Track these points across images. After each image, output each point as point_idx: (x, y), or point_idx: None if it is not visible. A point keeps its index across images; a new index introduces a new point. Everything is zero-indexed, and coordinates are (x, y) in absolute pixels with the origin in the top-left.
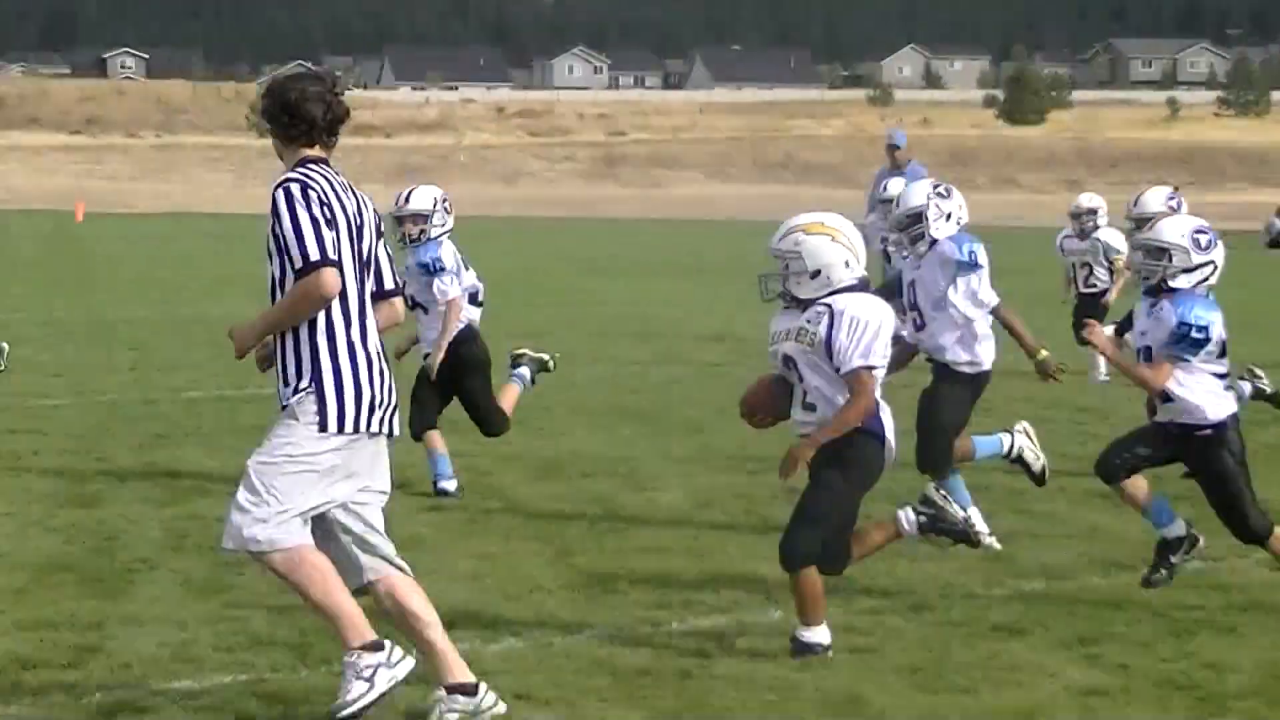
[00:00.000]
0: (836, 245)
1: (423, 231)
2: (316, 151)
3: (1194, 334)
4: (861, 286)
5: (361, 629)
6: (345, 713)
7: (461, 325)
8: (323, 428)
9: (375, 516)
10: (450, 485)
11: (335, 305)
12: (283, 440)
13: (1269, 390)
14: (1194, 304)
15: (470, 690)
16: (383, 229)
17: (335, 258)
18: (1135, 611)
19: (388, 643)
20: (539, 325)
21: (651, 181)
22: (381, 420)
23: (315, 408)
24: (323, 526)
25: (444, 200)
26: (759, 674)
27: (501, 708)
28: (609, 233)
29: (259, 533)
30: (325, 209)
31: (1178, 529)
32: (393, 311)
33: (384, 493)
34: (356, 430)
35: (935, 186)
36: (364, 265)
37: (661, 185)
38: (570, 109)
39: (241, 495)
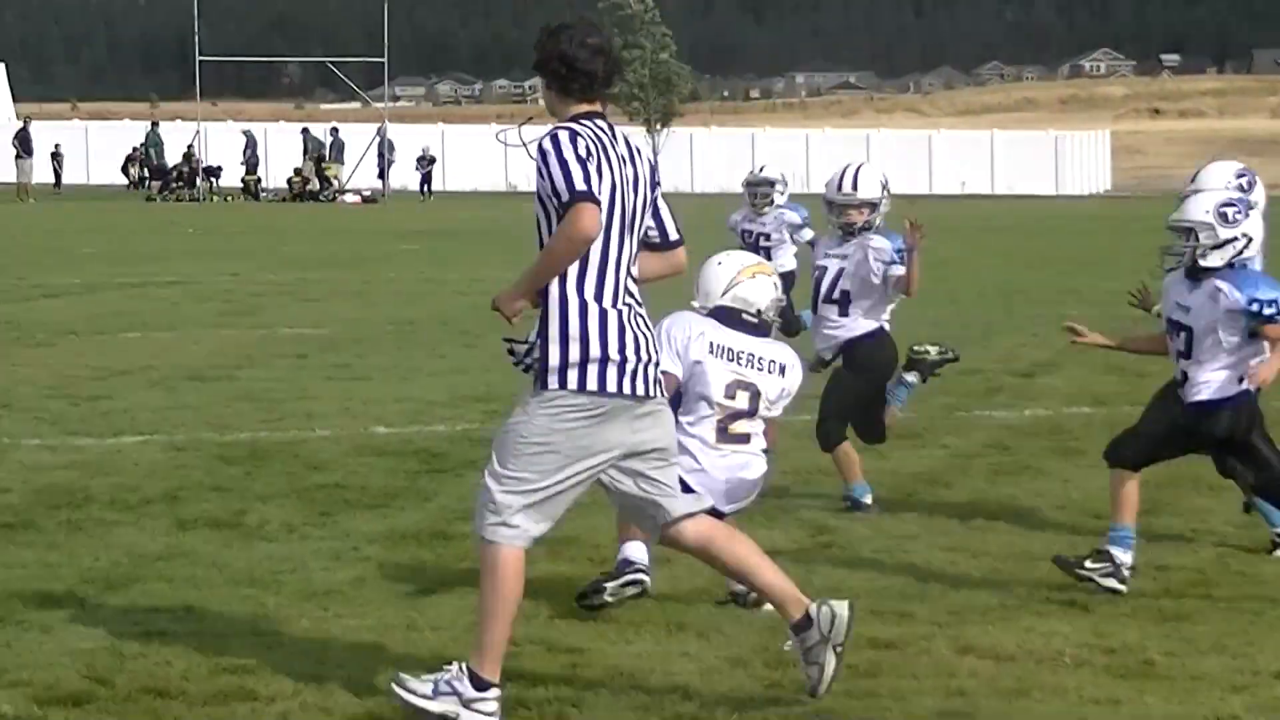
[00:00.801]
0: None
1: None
2: (591, 106)
3: (1266, 310)
4: None
5: (489, 663)
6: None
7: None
8: (562, 384)
9: (665, 477)
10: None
11: (607, 262)
12: (519, 413)
13: None
14: (1258, 281)
15: (804, 625)
16: (658, 178)
17: (599, 196)
18: None
19: (494, 692)
20: None
21: None
22: (631, 383)
23: (555, 364)
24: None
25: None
26: None
27: (843, 615)
28: None
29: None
30: (591, 158)
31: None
32: (674, 261)
33: (660, 452)
34: (602, 391)
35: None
36: (629, 225)
37: None
38: None
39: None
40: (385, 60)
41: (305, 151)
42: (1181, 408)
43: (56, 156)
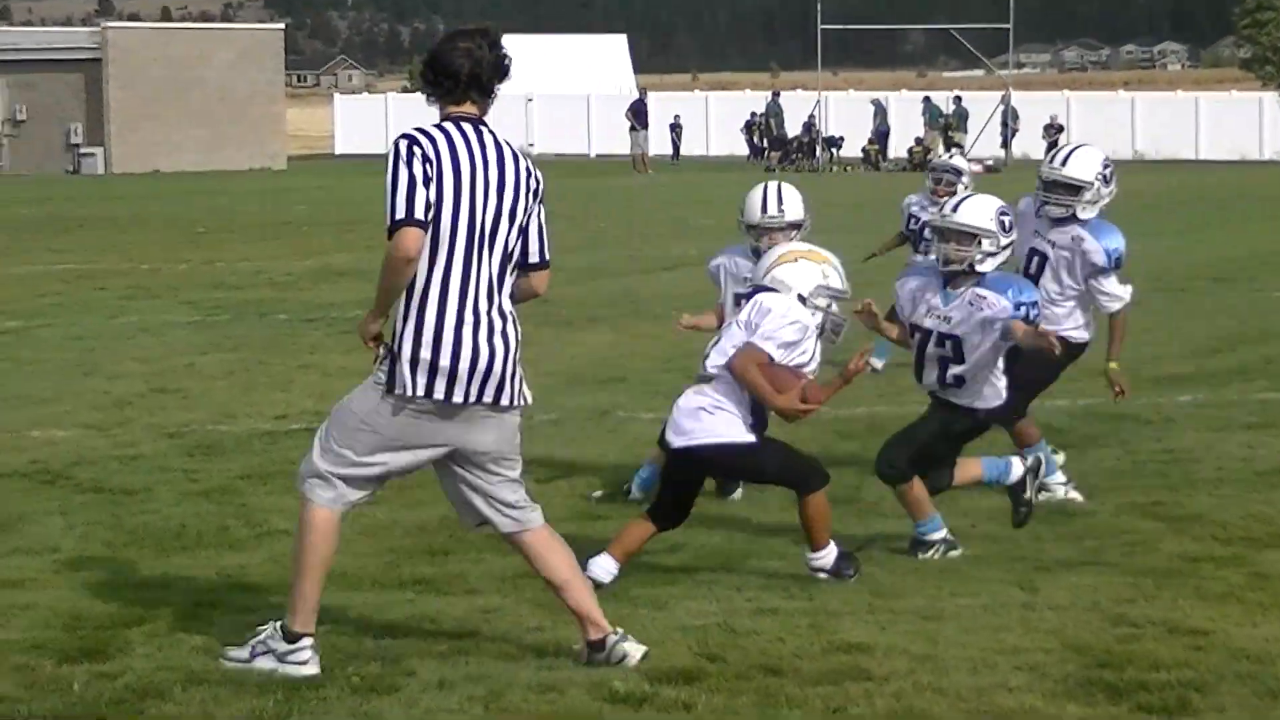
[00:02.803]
0: None
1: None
2: (465, 109)
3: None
4: None
5: (300, 616)
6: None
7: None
8: (389, 389)
9: (493, 487)
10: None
11: (435, 271)
12: (354, 395)
13: None
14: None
15: (597, 648)
16: (539, 194)
17: (422, 217)
18: None
19: (307, 641)
20: None
21: None
22: (468, 391)
23: (386, 368)
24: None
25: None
26: None
27: (634, 658)
28: None
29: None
30: (429, 166)
31: (1016, 470)
32: (532, 285)
33: (489, 458)
34: (429, 397)
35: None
36: (483, 233)
37: None
38: None
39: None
40: (1010, 26)
41: (927, 121)
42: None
43: (675, 128)
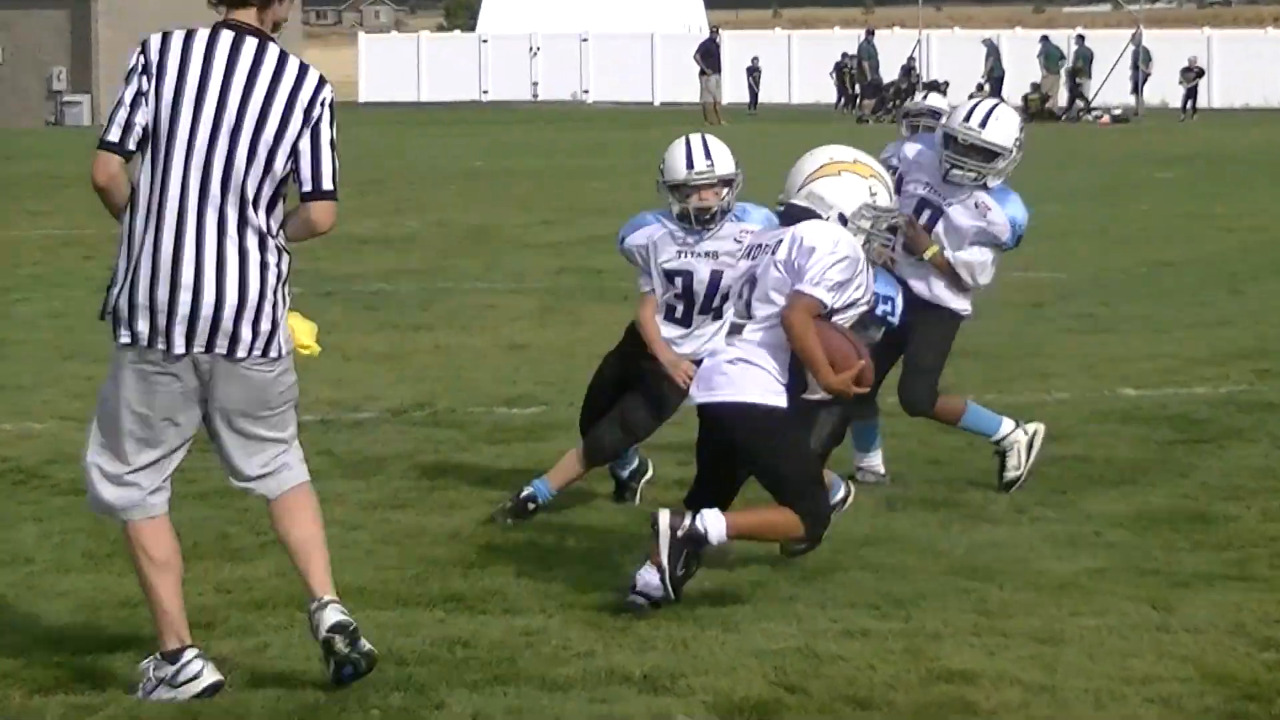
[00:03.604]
0: None
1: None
2: (240, 15)
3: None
4: None
5: (169, 634)
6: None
7: None
8: (114, 332)
9: (234, 447)
10: None
11: (151, 197)
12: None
13: None
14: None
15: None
16: (318, 114)
17: (116, 140)
18: None
19: (190, 654)
20: None
21: None
22: (188, 338)
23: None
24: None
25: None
26: None
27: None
28: None
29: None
30: (146, 79)
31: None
32: (308, 216)
33: (232, 415)
34: (133, 342)
35: None
36: (214, 154)
37: None
38: None
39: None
40: None
41: (1044, 63)
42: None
43: (753, 72)
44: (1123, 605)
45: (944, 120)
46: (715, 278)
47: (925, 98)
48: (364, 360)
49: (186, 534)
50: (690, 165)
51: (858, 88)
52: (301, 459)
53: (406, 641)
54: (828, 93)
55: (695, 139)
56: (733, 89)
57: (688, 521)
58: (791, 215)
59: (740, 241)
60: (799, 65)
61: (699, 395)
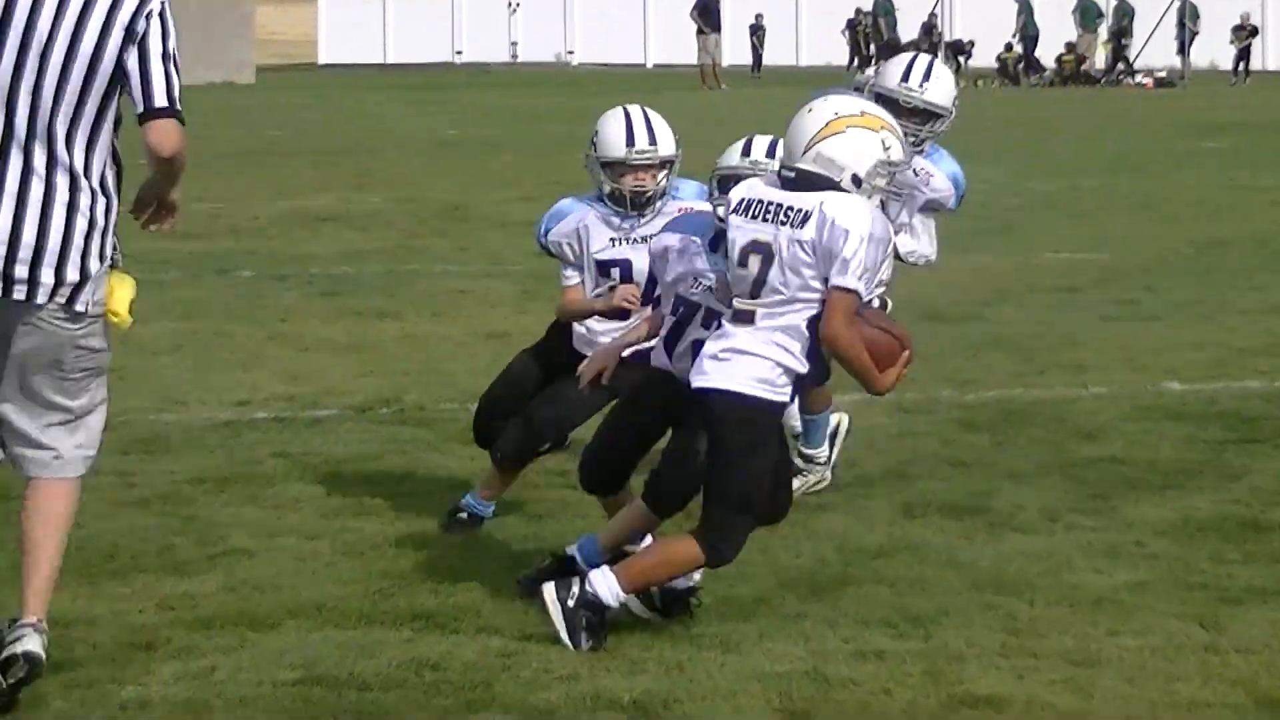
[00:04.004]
0: None
1: None
2: None
3: None
4: None
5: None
6: None
7: None
8: None
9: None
10: None
11: None
12: None
13: None
14: None
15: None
16: (142, 27)
17: None
18: None
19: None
20: None
21: None
22: None
23: None
24: None
25: None
26: None
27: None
28: None
29: None
30: None
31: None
32: (149, 142)
33: (27, 371)
34: None
35: None
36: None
37: None
38: None
39: None
40: None
41: (1080, 21)
42: None
43: (756, 30)
44: (1167, 623)
45: (873, 82)
46: None
47: (877, 72)
48: (323, 351)
49: (125, 545)
50: (631, 143)
51: (873, 48)
52: (87, 455)
53: (370, 664)
54: (839, 54)
55: (636, 113)
56: (734, 50)
57: (576, 590)
58: (801, 182)
59: None
60: (807, 23)
61: (693, 380)
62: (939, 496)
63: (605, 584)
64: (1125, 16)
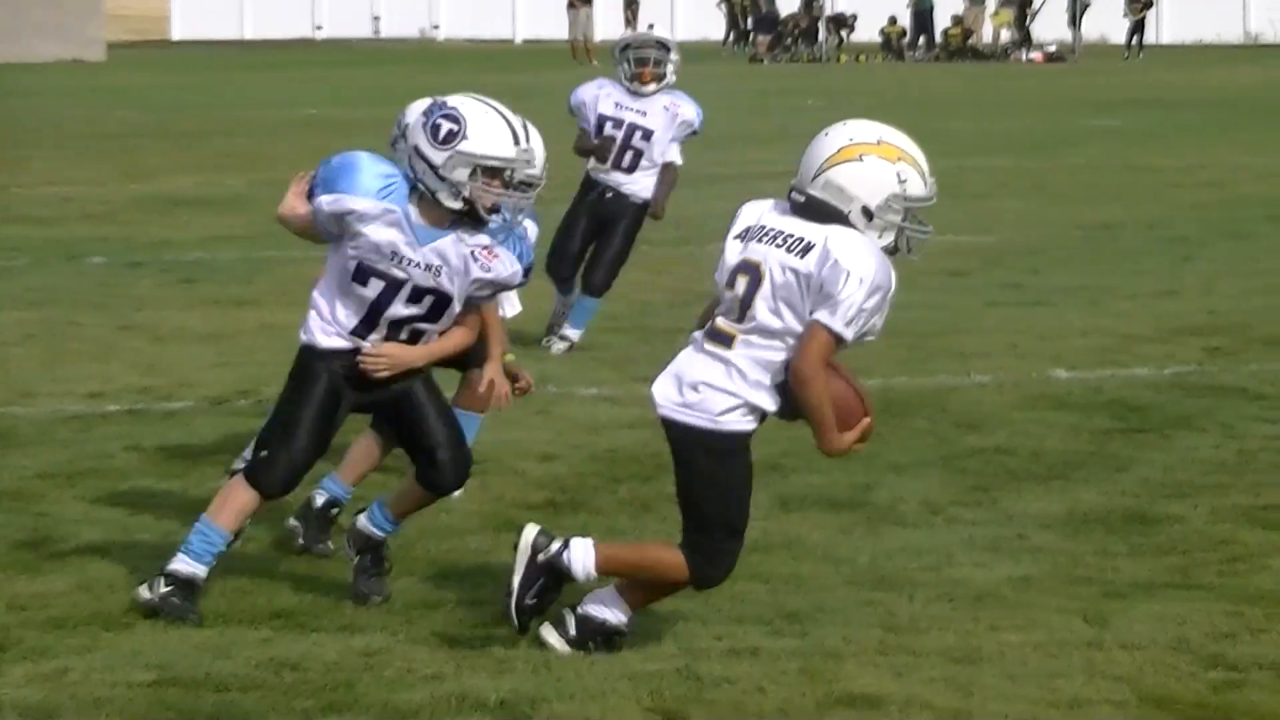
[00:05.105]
0: None
1: None
2: None
3: None
4: None
5: None
6: None
7: None
8: None
9: None
10: None
11: None
12: None
13: None
14: None
15: None
16: None
17: None
18: None
19: None
20: None
21: None
22: None
23: None
24: None
25: None
26: None
27: None
28: None
29: None
30: None
31: None
32: None
33: None
34: None
35: None
36: None
37: None
38: None
39: None
40: None
41: None
42: None
43: (631, 4)
44: (1050, 619)
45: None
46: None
47: (651, 26)
48: (179, 341)
49: None
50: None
51: (750, 22)
52: None
53: (227, 664)
54: (716, 27)
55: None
56: (606, 24)
57: (554, 547)
58: (809, 208)
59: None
60: None
61: (660, 401)
62: (817, 490)
63: (583, 556)
64: None
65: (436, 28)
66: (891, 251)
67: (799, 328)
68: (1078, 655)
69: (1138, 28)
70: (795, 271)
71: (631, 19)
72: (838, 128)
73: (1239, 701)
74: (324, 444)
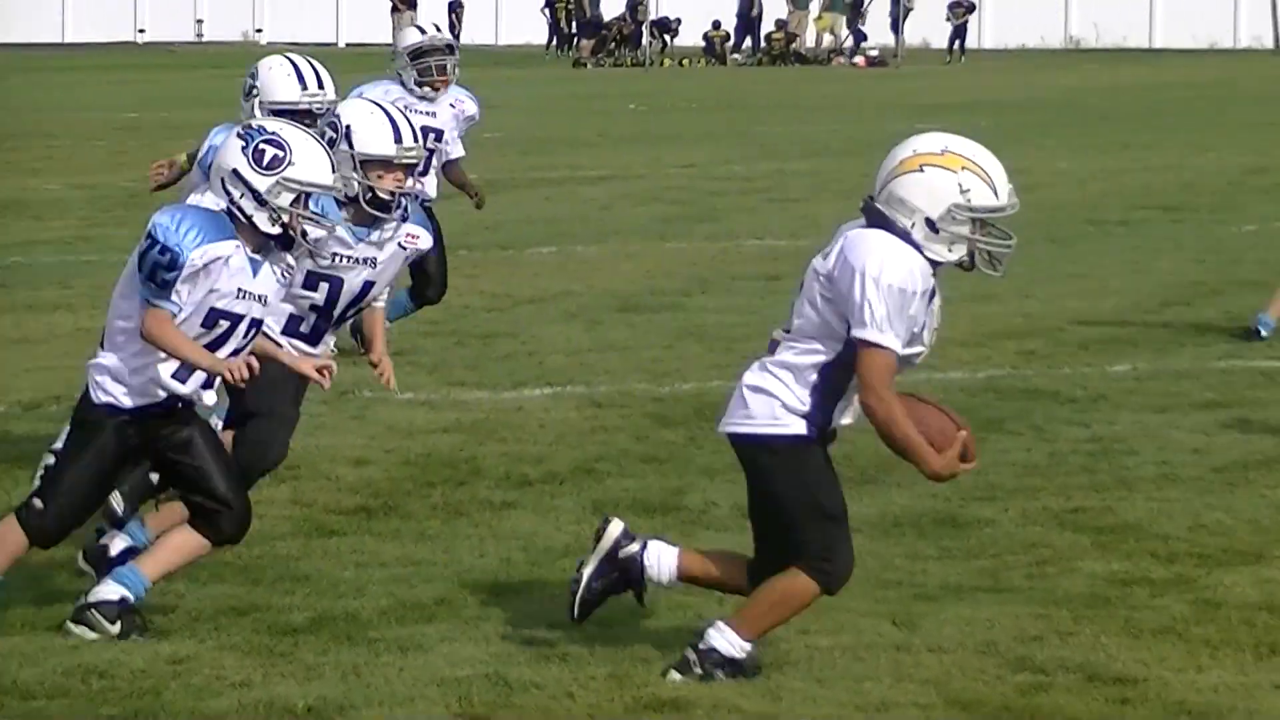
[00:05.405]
0: None
1: None
2: None
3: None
4: None
5: None
6: None
7: None
8: None
9: None
10: None
11: None
12: None
13: None
14: None
15: None
16: None
17: None
18: None
19: None
20: None
21: None
22: None
23: None
24: None
25: None
26: None
27: None
28: None
29: None
30: None
31: None
32: None
33: None
34: None
35: None
36: None
37: None
38: None
39: None
40: None
41: None
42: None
43: (455, 8)
44: (858, 622)
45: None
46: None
47: (438, 29)
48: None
49: None
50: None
51: (574, 26)
52: None
53: (33, 672)
54: (540, 32)
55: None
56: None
57: (634, 546)
58: (866, 216)
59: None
60: (507, 0)
61: (724, 420)
62: (630, 494)
63: (664, 560)
64: None
65: (260, 31)
66: (968, 267)
67: (834, 325)
68: (885, 658)
69: (959, 32)
70: (816, 272)
71: (456, 23)
72: (906, 141)
73: (1044, 704)
74: (101, 501)
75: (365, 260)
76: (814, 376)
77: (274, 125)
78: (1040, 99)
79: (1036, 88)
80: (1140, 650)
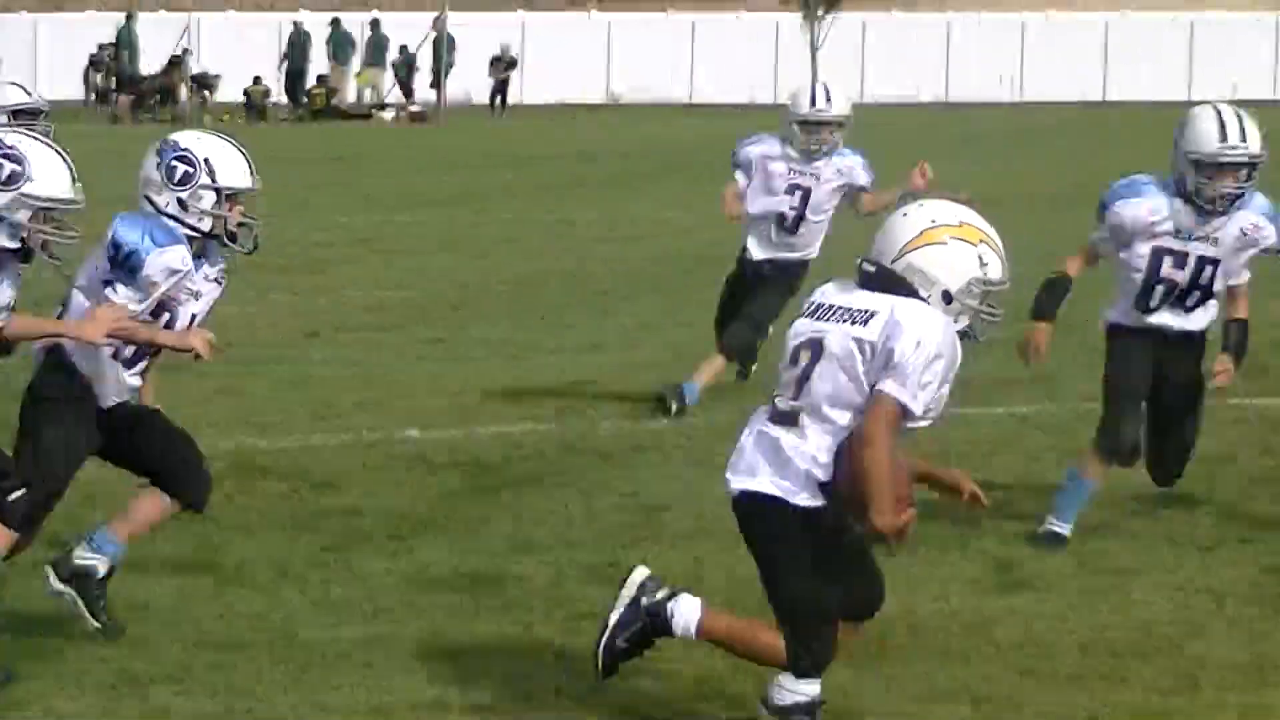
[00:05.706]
0: None
1: None
2: None
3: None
4: None
5: None
6: None
7: None
8: None
9: None
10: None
11: None
12: None
13: None
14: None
15: None
16: None
17: None
18: None
19: None
20: None
21: None
22: None
23: None
24: None
25: None
26: None
27: None
28: None
29: None
30: None
31: None
32: None
33: None
34: None
35: None
36: None
37: None
38: None
39: None
40: None
41: (333, 53)
42: None
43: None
44: (394, 679)
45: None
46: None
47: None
48: None
49: None
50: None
51: (114, 82)
52: None
53: None
54: (77, 88)
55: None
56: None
57: (660, 595)
58: (879, 279)
59: None
60: (47, 53)
61: (730, 484)
62: (163, 552)
63: (687, 613)
64: (371, 47)
65: None
66: (964, 335)
67: (858, 400)
68: (416, 718)
69: (501, 88)
70: (858, 340)
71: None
72: (915, 209)
73: None
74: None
75: (196, 295)
76: (832, 448)
77: (12, 139)
78: (577, 150)
79: (579, 140)
80: None
